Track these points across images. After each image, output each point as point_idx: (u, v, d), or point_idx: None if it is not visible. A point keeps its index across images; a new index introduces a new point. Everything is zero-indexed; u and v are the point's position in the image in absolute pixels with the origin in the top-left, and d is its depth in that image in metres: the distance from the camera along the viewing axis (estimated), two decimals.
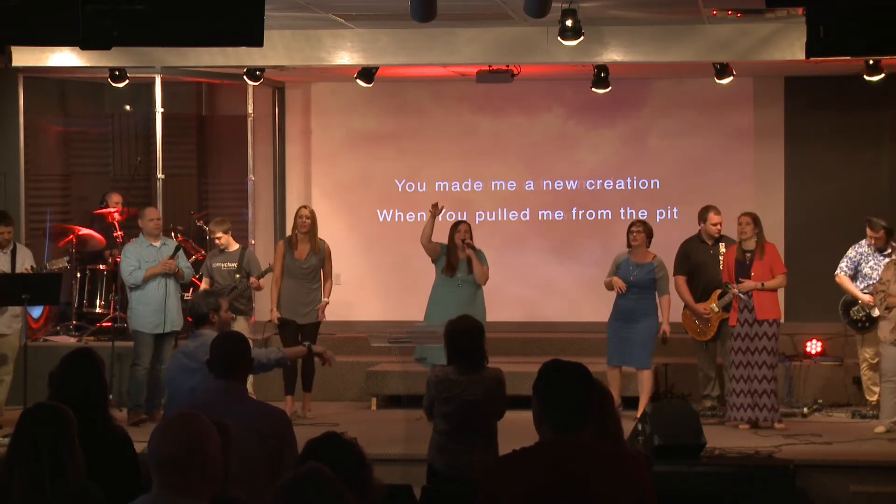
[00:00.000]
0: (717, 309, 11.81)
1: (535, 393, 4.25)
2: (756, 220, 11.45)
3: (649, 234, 11.70)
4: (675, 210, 14.50)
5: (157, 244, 11.99)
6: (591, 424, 4.28)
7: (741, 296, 11.36)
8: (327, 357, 7.93)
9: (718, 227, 12.04)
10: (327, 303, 12.10)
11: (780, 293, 11.81)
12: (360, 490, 4.02)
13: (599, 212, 14.56)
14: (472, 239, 11.73)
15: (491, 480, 4.21)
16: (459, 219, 12.81)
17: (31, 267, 11.70)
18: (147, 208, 12.46)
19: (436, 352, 11.47)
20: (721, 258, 11.86)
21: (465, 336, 7.53)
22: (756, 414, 11.28)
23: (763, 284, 11.34)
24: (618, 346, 11.65)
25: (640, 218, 11.89)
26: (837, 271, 11.95)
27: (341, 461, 4.01)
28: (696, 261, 12.06)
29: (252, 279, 12.02)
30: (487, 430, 7.49)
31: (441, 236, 11.92)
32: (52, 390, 5.66)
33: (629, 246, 11.72)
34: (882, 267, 11.48)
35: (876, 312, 11.43)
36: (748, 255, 11.44)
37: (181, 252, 12.17)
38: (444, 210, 12.03)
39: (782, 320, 11.59)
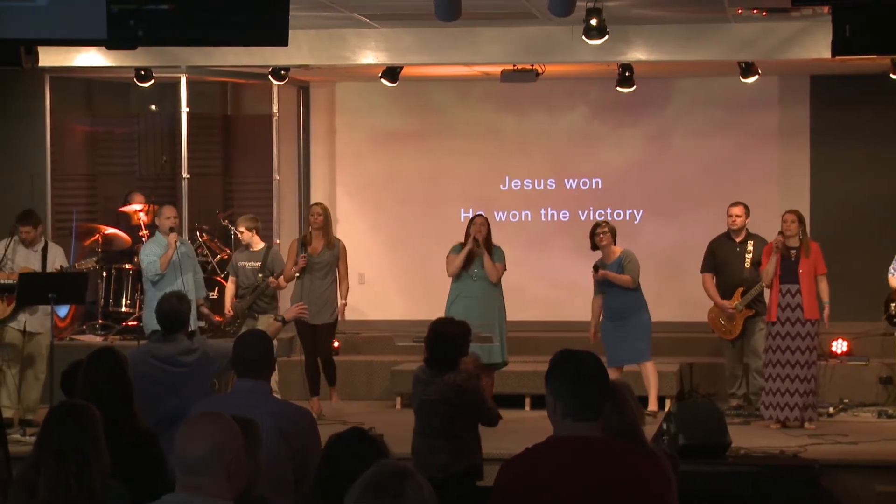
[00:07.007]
0: (740, 307, 11.78)
1: (547, 382, 4.23)
2: (801, 219, 11.33)
3: (614, 232, 11.89)
4: (699, 209, 14.44)
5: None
6: (604, 413, 4.25)
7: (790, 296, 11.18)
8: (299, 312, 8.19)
9: (734, 219, 11.90)
10: (345, 304, 12.02)
11: None
12: None
13: (624, 211, 14.52)
14: (489, 233, 11.71)
15: (506, 478, 4.20)
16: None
17: (61, 266, 11.74)
18: (165, 206, 12.46)
19: None
20: (748, 256, 11.80)
21: (439, 337, 7.56)
22: (796, 413, 11.15)
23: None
24: (614, 346, 11.65)
25: (602, 219, 12.08)
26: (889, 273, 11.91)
27: (365, 456, 4.01)
28: (721, 258, 12.02)
29: (272, 279, 12.02)
30: (450, 432, 7.52)
31: (459, 235, 11.89)
32: (77, 389, 5.68)
33: (595, 248, 11.92)
34: None
35: None
36: (793, 252, 11.25)
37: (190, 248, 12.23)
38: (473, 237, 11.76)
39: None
